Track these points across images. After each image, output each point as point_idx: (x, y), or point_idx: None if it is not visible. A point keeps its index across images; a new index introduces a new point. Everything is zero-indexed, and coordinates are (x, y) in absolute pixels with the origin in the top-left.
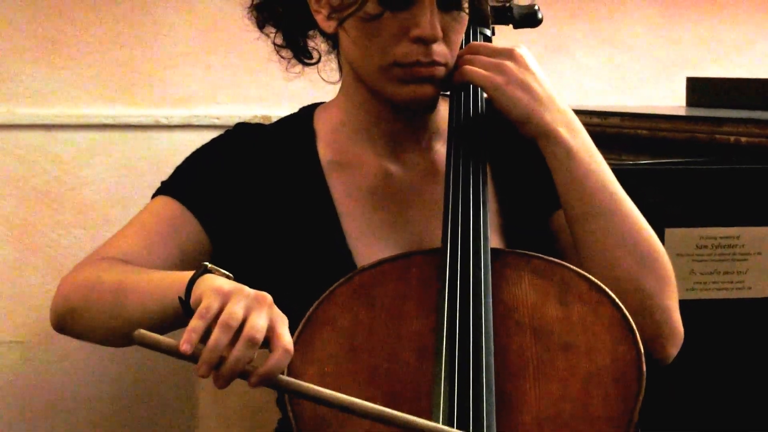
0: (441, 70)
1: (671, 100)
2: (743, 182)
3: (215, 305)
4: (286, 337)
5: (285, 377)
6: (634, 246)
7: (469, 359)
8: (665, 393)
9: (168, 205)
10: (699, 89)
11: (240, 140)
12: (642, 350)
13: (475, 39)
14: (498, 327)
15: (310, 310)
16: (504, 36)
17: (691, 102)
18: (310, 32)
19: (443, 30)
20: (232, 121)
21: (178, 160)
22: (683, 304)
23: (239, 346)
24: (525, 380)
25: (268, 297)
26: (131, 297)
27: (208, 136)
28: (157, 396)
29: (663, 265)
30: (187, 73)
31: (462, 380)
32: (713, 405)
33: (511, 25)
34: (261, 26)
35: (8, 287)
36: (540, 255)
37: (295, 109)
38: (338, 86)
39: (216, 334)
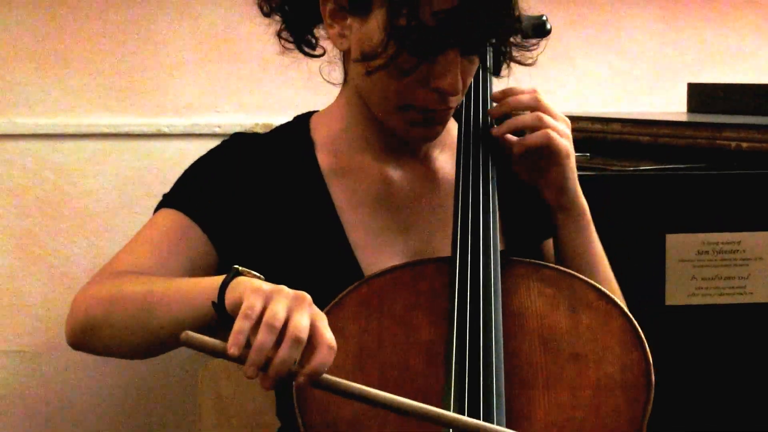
0: (451, 112)
1: (672, 106)
2: (744, 188)
3: (258, 305)
4: (328, 335)
5: (329, 376)
6: None
7: (479, 367)
8: (668, 397)
9: (173, 217)
10: (700, 95)
11: (239, 150)
12: (651, 360)
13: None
14: (508, 336)
15: None
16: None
17: (692, 108)
18: (317, 27)
19: (461, 75)
20: (233, 130)
21: (180, 169)
22: (685, 310)
23: (285, 346)
24: (535, 389)
25: (308, 296)
26: (159, 307)
27: (209, 144)
28: (159, 406)
29: None
30: (189, 82)
31: (472, 389)
32: (714, 409)
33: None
34: (267, 14)
35: (9, 297)
36: (549, 264)
37: None
38: (336, 89)
39: (261, 335)
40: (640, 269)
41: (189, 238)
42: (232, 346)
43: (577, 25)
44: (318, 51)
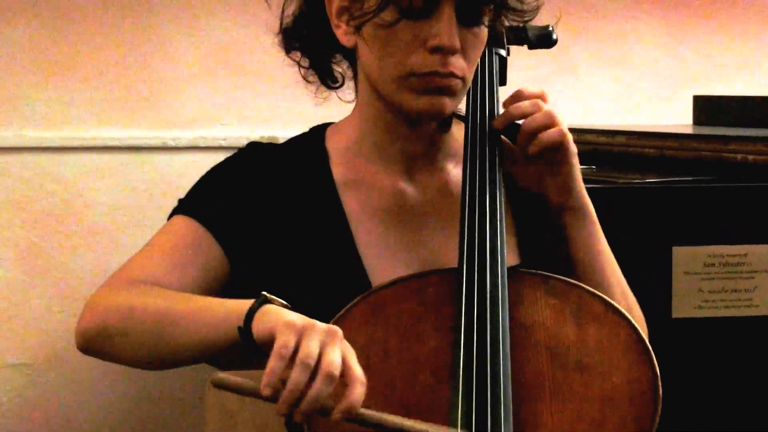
0: (458, 84)
1: (678, 118)
2: (750, 200)
3: (292, 342)
4: (359, 370)
5: (364, 409)
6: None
7: (486, 379)
8: (675, 409)
9: (189, 226)
10: (706, 108)
11: (254, 160)
12: (658, 372)
13: (490, 59)
14: (515, 347)
15: None
16: (515, 56)
17: (697, 120)
18: (336, 56)
19: (462, 44)
20: (238, 143)
21: (186, 181)
22: (691, 322)
23: (318, 383)
24: (542, 400)
25: (339, 330)
26: (180, 324)
27: (215, 157)
28: (165, 419)
29: None
30: (194, 95)
31: (480, 400)
32: (722, 421)
33: (525, 46)
34: (288, 50)
35: (15, 310)
36: (557, 276)
37: (301, 130)
38: (346, 107)
39: (296, 374)
40: (647, 282)
41: (203, 247)
42: (266, 387)
43: (583, 37)
44: (339, 81)
